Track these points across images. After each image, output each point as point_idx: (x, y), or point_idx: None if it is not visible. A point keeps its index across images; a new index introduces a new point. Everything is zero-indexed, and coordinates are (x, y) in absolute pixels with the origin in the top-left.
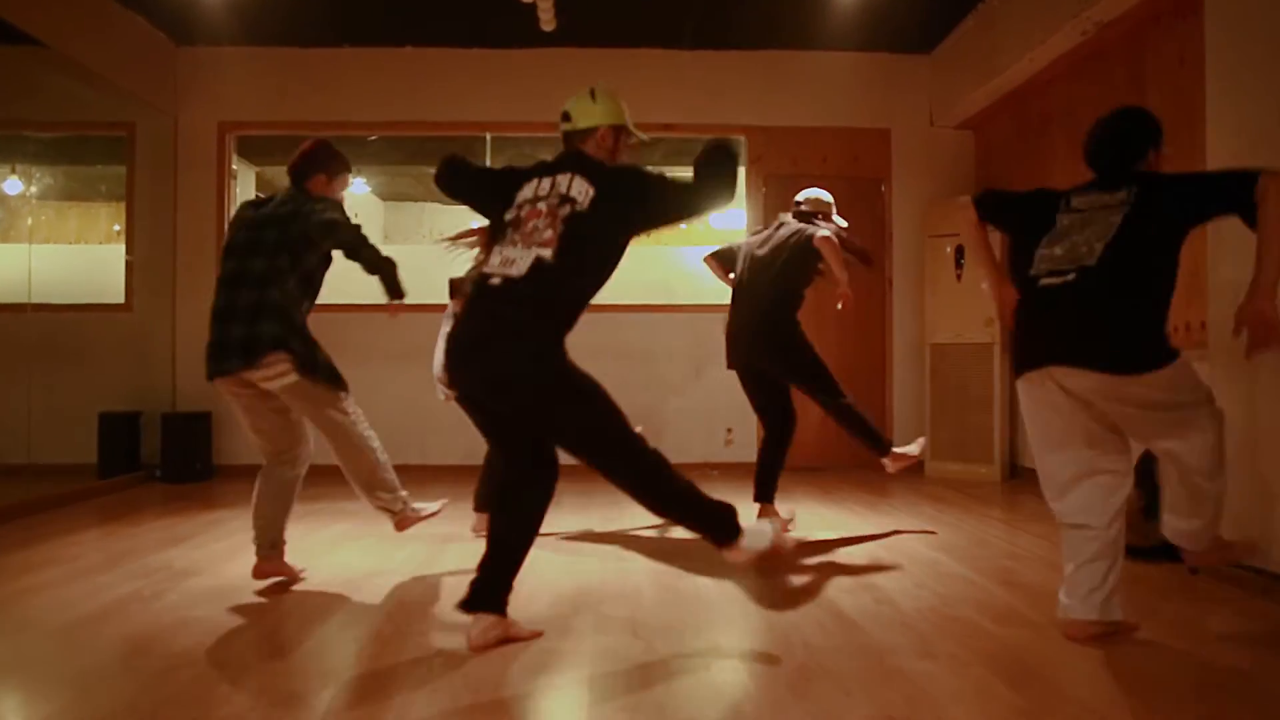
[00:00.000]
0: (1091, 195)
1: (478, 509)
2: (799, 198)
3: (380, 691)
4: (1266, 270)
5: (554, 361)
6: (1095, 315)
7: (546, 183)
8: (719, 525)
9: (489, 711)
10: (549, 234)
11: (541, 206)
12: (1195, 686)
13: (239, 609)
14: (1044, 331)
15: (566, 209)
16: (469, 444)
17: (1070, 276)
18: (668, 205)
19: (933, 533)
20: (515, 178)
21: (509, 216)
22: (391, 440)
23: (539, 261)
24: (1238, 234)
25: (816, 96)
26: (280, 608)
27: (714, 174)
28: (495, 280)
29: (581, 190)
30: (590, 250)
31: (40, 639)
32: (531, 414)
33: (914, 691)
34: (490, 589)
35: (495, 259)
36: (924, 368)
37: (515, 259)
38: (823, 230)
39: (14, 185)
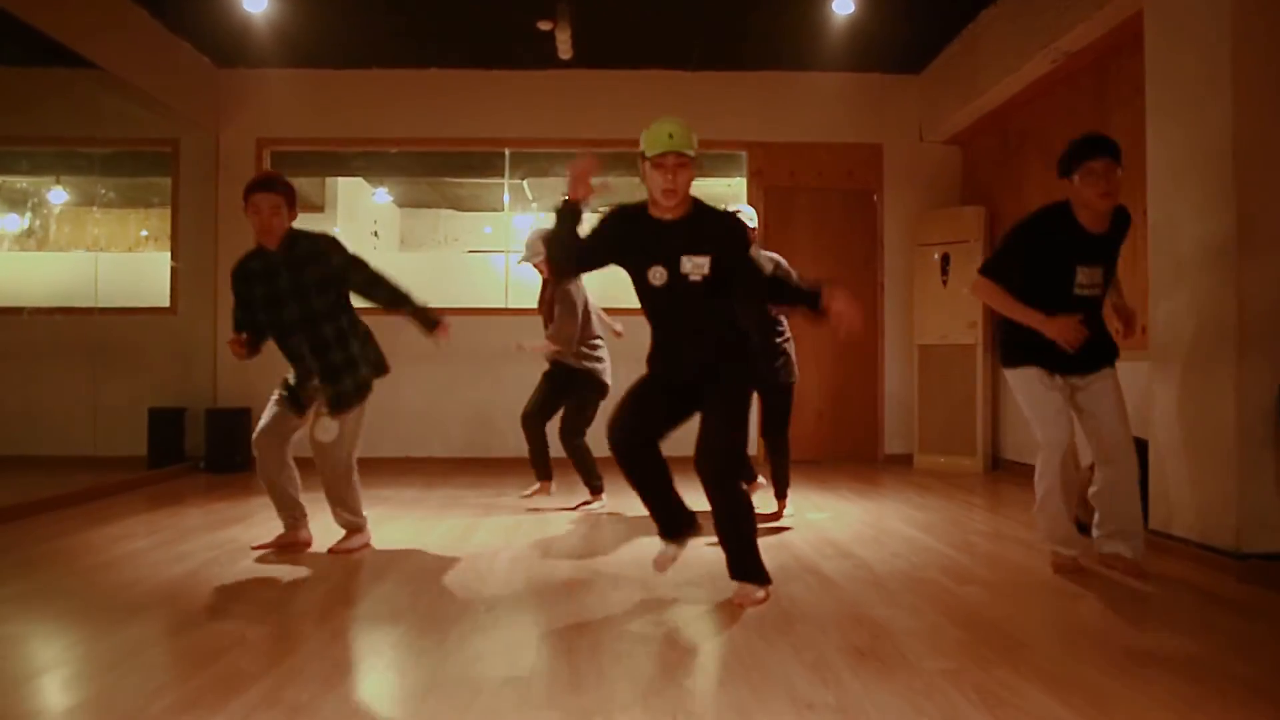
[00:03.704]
0: None
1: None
2: None
3: (439, 628)
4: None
5: None
6: None
7: None
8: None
9: (526, 644)
10: None
11: None
12: (1113, 631)
13: (312, 571)
14: None
15: None
16: (485, 438)
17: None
18: None
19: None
20: None
21: None
22: (414, 433)
23: None
24: (1177, 257)
25: (813, 114)
26: (344, 570)
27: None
28: None
29: None
30: None
31: (147, 592)
32: None
33: (878, 630)
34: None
35: None
36: (913, 367)
37: None
38: None
39: (59, 195)
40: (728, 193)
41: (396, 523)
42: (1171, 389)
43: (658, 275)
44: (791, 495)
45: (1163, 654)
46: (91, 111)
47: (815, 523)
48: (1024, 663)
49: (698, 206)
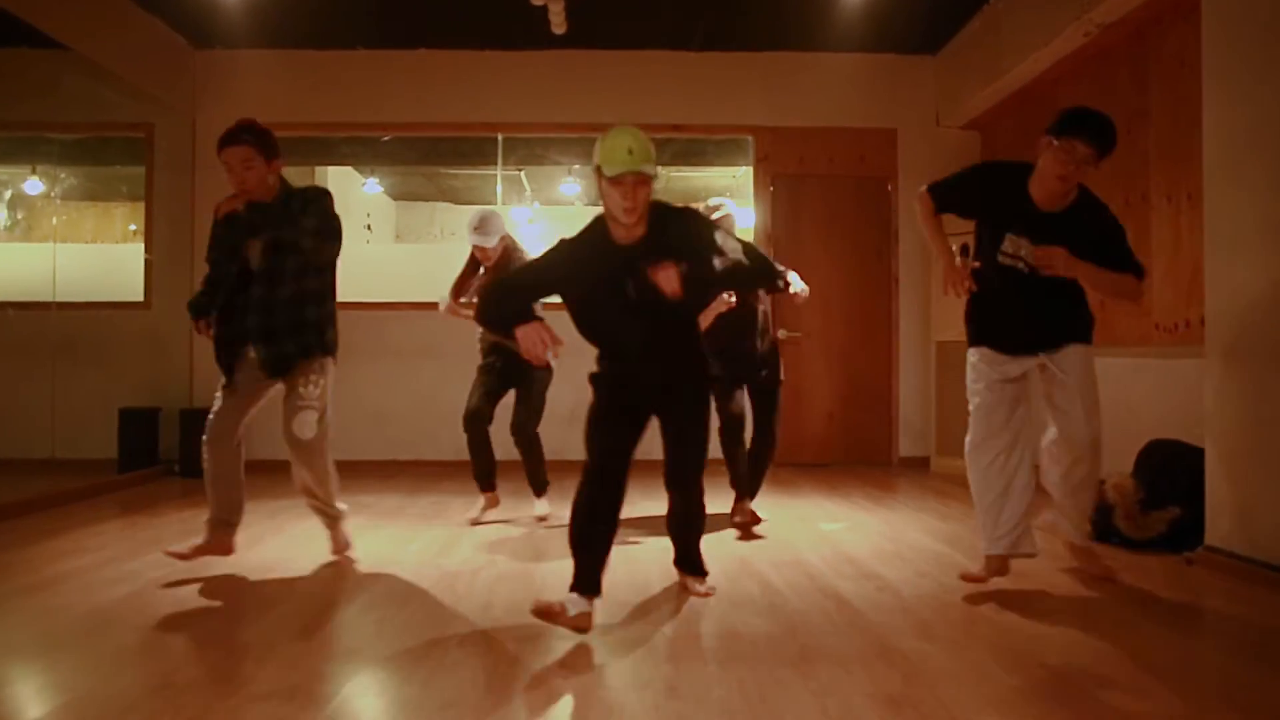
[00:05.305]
0: None
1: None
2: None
3: (402, 668)
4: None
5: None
6: None
7: None
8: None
9: (504, 689)
10: None
11: None
12: (1185, 669)
13: (262, 595)
14: None
15: None
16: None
17: None
18: None
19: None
20: None
21: None
22: (402, 435)
23: None
24: (1237, 241)
25: (823, 97)
26: (301, 594)
27: None
28: None
29: None
30: None
31: (73, 621)
32: None
33: (911, 671)
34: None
35: None
36: (929, 365)
37: None
38: None
39: (35, 185)
40: (733, 183)
41: (373, 534)
42: (1232, 389)
43: (631, 290)
44: (801, 503)
45: (1244, 700)
46: (59, 95)
47: (830, 535)
48: None
49: (655, 213)
